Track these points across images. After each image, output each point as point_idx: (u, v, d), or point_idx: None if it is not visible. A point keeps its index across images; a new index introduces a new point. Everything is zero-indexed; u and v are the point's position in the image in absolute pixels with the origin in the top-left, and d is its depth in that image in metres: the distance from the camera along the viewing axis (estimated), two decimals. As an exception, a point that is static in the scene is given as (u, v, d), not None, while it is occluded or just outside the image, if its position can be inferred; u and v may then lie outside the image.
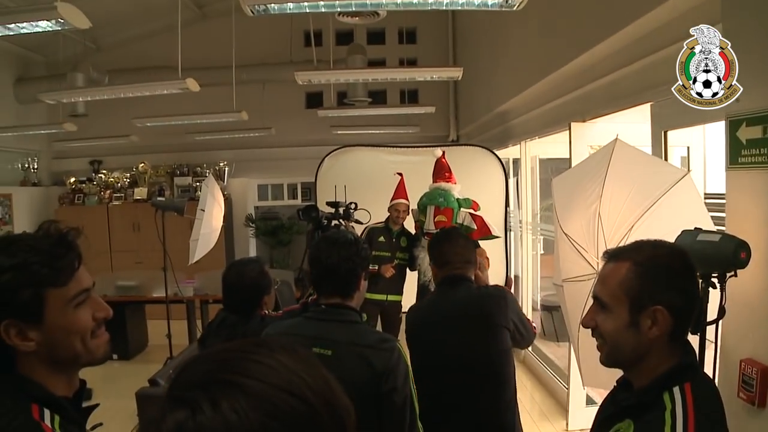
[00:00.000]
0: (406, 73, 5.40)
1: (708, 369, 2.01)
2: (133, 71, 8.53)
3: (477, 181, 6.49)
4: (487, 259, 4.91)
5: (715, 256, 1.99)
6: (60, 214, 9.50)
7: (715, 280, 2.01)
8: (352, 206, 4.24)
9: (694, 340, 1.66)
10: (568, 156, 4.89)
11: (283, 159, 9.74)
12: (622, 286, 1.37)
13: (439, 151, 5.27)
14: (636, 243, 1.45)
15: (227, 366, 0.66)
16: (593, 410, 5.08)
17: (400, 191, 5.29)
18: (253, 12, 3.05)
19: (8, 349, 1.14)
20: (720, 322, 2.12)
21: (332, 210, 3.91)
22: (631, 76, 3.95)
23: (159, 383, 4.16)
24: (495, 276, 6.08)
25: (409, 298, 5.12)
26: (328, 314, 2.11)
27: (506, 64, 6.38)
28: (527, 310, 6.88)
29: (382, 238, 5.26)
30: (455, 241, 2.77)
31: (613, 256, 1.44)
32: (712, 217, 2.54)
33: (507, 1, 3.03)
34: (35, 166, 9.78)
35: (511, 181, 7.40)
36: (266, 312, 2.69)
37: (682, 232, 2.13)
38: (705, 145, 5.75)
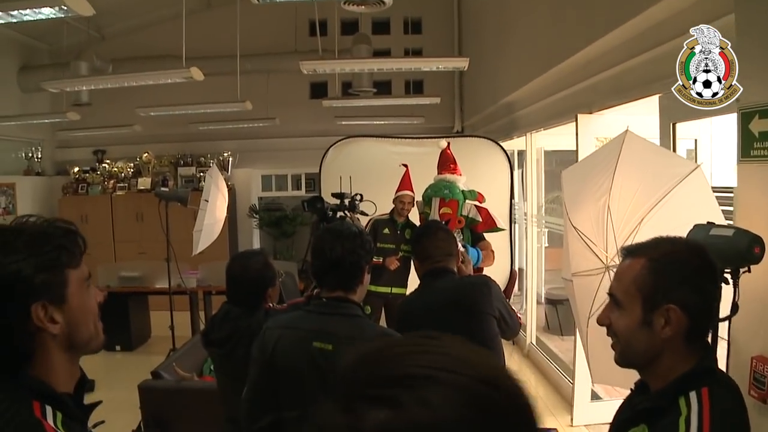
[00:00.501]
0: (411, 63, 5.35)
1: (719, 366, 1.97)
2: (136, 60, 8.50)
3: (482, 172, 6.43)
4: (492, 251, 4.90)
5: (728, 251, 1.95)
6: (63, 204, 9.51)
7: (727, 276, 1.96)
8: (358, 197, 4.19)
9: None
10: (572, 148, 4.84)
11: (287, 149, 9.70)
12: (636, 282, 1.33)
13: (444, 143, 5.21)
14: (655, 239, 1.40)
15: (412, 360, 0.62)
16: (598, 405, 5.08)
17: (406, 183, 5.24)
18: (258, 0, 3.00)
19: (28, 342, 1.12)
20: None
21: (337, 201, 3.86)
22: (640, 68, 3.89)
23: (162, 376, 4.14)
24: (500, 269, 6.05)
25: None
26: (329, 308, 2.07)
27: (512, 55, 6.32)
28: (532, 304, 6.84)
29: (386, 230, 5.21)
30: (435, 235, 2.75)
31: (629, 252, 1.40)
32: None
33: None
34: (39, 156, 9.76)
35: (516, 173, 7.34)
36: (271, 305, 2.66)
37: (695, 226, 2.08)
38: (712, 138, 5.72)
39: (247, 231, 10.11)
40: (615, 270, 2.49)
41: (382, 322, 5.24)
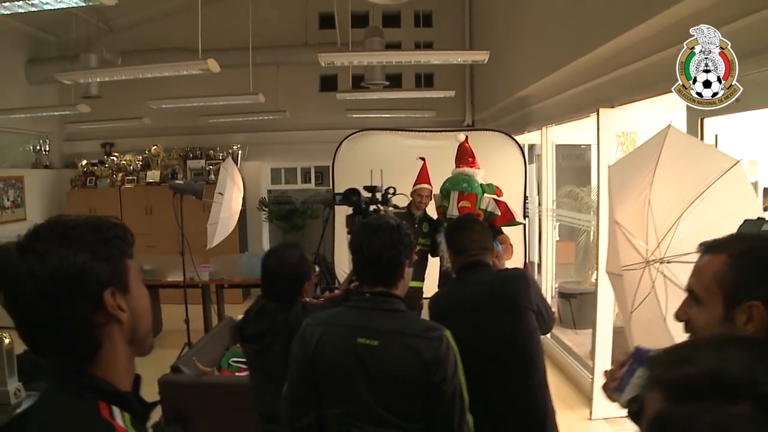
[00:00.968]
0: (431, 56, 5.30)
1: None
2: (145, 53, 8.43)
3: (496, 166, 6.37)
4: (511, 245, 4.87)
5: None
6: (72, 197, 9.47)
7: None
8: (391, 191, 4.15)
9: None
10: (581, 142, 4.80)
11: (297, 142, 9.65)
12: (717, 279, 1.30)
13: (462, 136, 5.17)
14: (735, 235, 1.38)
15: None
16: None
17: (423, 176, 5.20)
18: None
19: (98, 336, 1.09)
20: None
21: (369, 195, 3.81)
22: (666, 61, 3.82)
23: (182, 370, 4.11)
24: (515, 262, 6.01)
25: (430, 284, 5.05)
26: (372, 303, 2.04)
27: (528, 48, 6.26)
28: (549, 297, 6.82)
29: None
30: (471, 228, 2.72)
31: (709, 248, 1.37)
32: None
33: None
34: (47, 149, 9.72)
35: (529, 167, 7.30)
36: (307, 300, 2.62)
37: (745, 221, 2.05)
38: (731, 133, 5.66)
39: (256, 224, 10.07)
40: (657, 264, 2.49)
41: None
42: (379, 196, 3.44)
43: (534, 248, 7.52)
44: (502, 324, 2.45)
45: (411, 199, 5.22)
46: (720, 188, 2.43)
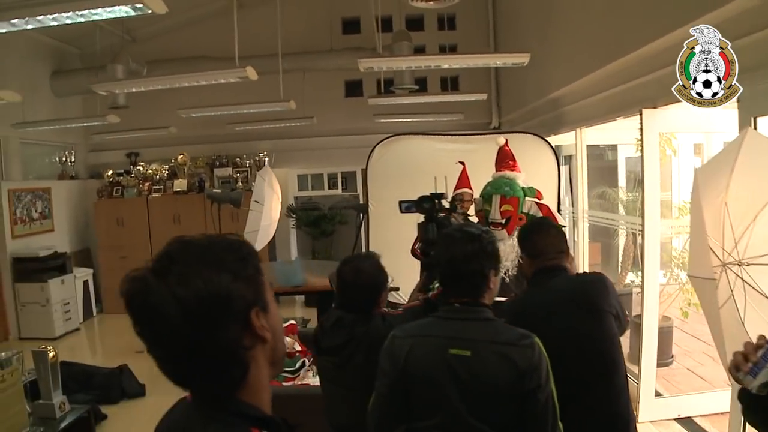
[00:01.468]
0: (473, 60, 5.24)
1: None
2: (170, 62, 8.46)
3: (529, 169, 6.29)
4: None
5: None
6: (99, 207, 9.50)
7: None
8: (458, 197, 4.09)
9: None
10: (610, 143, 4.74)
11: (323, 148, 9.65)
12: None
13: (502, 139, 5.12)
14: None
15: None
16: (663, 402, 4.98)
17: (464, 180, 5.17)
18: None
19: (246, 359, 1.05)
20: None
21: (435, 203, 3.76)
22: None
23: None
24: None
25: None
26: (462, 312, 2.01)
27: (562, 48, 6.19)
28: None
29: (444, 230, 5.15)
30: (547, 231, 2.66)
31: None
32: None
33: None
34: (72, 159, 9.76)
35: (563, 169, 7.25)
36: (385, 310, 2.57)
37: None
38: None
39: (284, 231, 10.04)
40: (734, 267, 2.44)
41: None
42: (446, 203, 3.39)
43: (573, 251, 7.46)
44: (585, 329, 2.40)
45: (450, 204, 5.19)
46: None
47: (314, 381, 4.09)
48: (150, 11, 3.34)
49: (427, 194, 3.07)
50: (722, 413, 4.56)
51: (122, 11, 3.46)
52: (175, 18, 9.29)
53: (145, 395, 5.76)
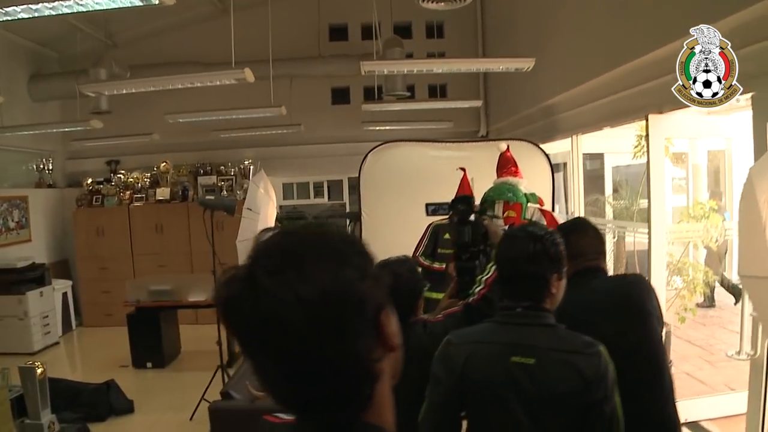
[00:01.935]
0: (474, 64, 5.20)
1: None
2: (153, 66, 8.24)
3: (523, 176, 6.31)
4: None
5: None
6: (78, 216, 9.24)
7: None
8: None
9: None
10: (601, 150, 4.71)
11: (309, 156, 9.51)
12: None
13: (503, 145, 5.06)
14: None
15: None
16: (686, 403, 4.94)
17: (465, 186, 5.08)
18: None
19: (375, 371, 0.87)
20: None
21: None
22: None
23: (232, 395, 3.92)
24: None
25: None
26: (523, 318, 1.89)
27: (557, 54, 6.14)
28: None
29: (447, 236, 5.03)
30: (586, 232, 2.55)
31: None
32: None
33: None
34: (50, 167, 9.47)
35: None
36: (425, 317, 2.44)
37: None
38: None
39: (269, 240, 9.87)
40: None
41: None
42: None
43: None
44: (632, 332, 2.30)
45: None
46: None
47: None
48: (157, 2, 3.17)
49: (462, 195, 2.97)
50: (730, 416, 4.53)
51: (127, 1, 3.30)
52: (157, 23, 9.11)
53: (134, 412, 5.54)
